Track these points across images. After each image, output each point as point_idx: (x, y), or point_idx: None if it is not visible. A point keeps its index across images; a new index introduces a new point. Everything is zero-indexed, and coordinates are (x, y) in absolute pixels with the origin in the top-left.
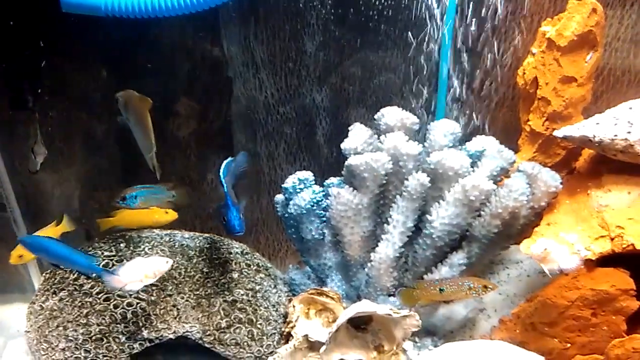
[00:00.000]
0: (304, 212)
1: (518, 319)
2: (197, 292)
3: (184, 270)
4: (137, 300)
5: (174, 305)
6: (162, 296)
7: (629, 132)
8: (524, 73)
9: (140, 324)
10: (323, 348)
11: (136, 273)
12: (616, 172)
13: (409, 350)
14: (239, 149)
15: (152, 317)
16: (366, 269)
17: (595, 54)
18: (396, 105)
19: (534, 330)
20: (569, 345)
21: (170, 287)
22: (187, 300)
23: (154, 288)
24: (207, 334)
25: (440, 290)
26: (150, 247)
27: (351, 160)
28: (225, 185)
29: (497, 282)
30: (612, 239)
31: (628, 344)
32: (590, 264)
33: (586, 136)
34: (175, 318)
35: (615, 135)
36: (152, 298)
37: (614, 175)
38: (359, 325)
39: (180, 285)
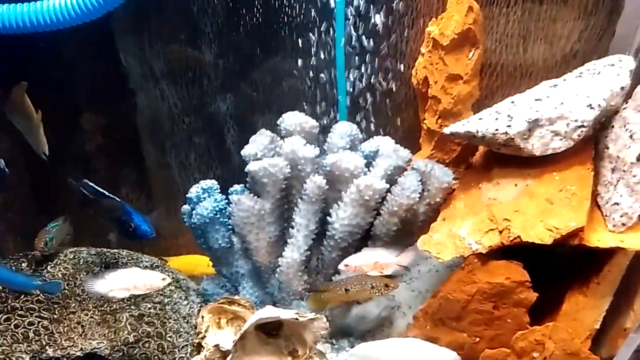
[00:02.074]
0: (208, 221)
1: (427, 315)
2: (102, 309)
3: None
4: (39, 319)
5: (78, 323)
6: (65, 314)
7: (509, 126)
8: (417, 73)
9: (44, 343)
10: (229, 357)
11: (125, 281)
12: (504, 165)
13: (327, 353)
14: (149, 160)
15: (56, 335)
16: (276, 274)
17: (477, 51)
18: (301, 109)
19: (443, 326)
20: (478, 339)
21: (73, 305)
22: (91, 317)
23: (56, 306)
24: (116, 349)
25: (346, 290)
26: (52, 265)
27: (250, 167)
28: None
29: (410, 278)
30: (500, 232)
31: (530, 336)
32: (484, 258)
33: (470, 132)
34: (81, 335)
35: (497, 130)
36: (55, 316)
37: (503, 168)
38: (271, 331)
39: (83, 302)
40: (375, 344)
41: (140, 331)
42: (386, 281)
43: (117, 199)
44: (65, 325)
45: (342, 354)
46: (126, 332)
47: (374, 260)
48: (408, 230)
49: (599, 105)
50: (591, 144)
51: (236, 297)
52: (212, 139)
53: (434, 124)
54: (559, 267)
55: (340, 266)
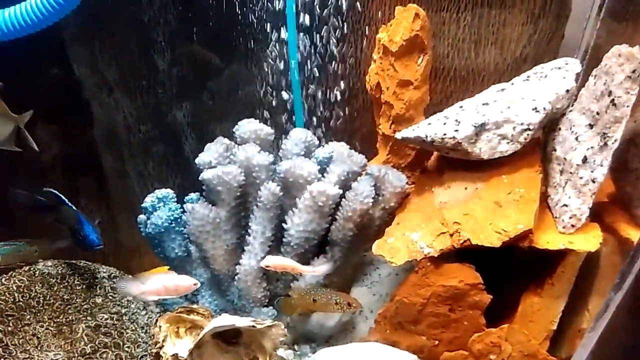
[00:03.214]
0: (163, 230)
1: (386, 319)
2: (58, 320)
3: (42, 298)
4: None
5: (33, 334)
6: (20, 326)
7: (456, 131)
8: (370, 79)
9: None
10: None
11: (157, 284)
12: (455, 169)
13: (290, 359)
14: (107, 170)
15: (11, 348)
16: (235, 282)
17: (426, 57)
18: (258, 116)
19: (402, 329)
20: (436, 342)
21: (28, 317)
22: (47, 329)
23: (10, 318)
24: None
25: (314, 300)
26: (7, 277)
27: (204, 175)
28: (71, 205)
29: (370, 282)
30: (450, 235)
31: (486, 338)
32: (437, 261)
33: (420, 136)
34: (36, 347)
35: (445, 135)
36: (9, 328)
37: (453, 172)
38: (230, 339)
39: (39, 314)
40: (336, 349)
41: (97, 342)
42: (350, 300)
43: (74, 208)
44: (20, 337)
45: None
46: (83, 343)
47: (292, 264)
48: (365, 235)
49: (544, 108)
50: (539, 147)
51: (194, 306)
52: (170, 147)
53: (388, 129)
54: (516, 268)
55: (262, 264)
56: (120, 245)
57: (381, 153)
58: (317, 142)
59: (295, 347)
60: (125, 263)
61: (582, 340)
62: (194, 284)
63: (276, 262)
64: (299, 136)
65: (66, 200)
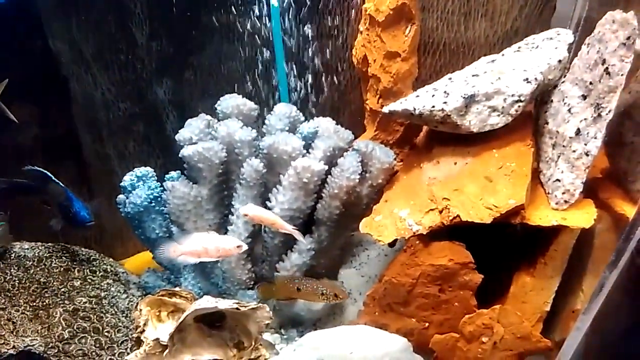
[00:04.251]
0: (142, 209)
1: (374, 301)
2: (34, 304)
3: (17, 282)
4: None
5: (9, 319)
6: None
7: (445, 103)
8: (356, 52)
9: None
10: (166, 352)
11: (197, 245)
12: (444, 143)
13: (277, 344)
14: (87, 151)
15: None
16: (219, 264)
17: (414, 27)
18: (243, 92)
19: (391, 312)
20: (427, 324)
21: (3, 300)
22: (23, 313)
23: None
24: (50, 346)
25: (298, 289)
26: None
27: (184, 151)
28: (58, 182)
29: (359, 264)
30: (440, 212)
31: (478, 320)
32: (426, 239)
33: (407, 109)
34: (12, 332)
35: (433, 107)
36: None
37: (443, 147)
38: (214, 323)
39: (14, 298)
40: (324, 332)
41: (75, 327)
42: (336, 291)
43: (61, 184)
44: None
45: (291, 344)
46: (60, 327)
47: (272, 218)
48: (352, 214)
49: (536, 78)
50: (531, 120)
51: (177, 288)
52: (151, 125)
53: (376, 104)
54: (508, 247)
55: (241, 211)
56: (102, 230)
57: (369, 130)
58: (302, 118)
59: (282, 331)
60: (108, 248)
61: (576, 323)
62: (237, 246)
63: (256, 212)
64: (283, 111)
65: (52, 176)
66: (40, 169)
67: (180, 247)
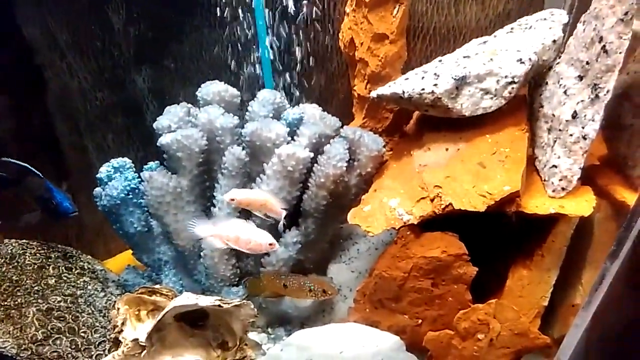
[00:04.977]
0: (119, 202)
1: (365, 297)
2: (6, 303)
3: None
4: None
5: None
6: None
7: (435, 85)
8: (343, 35)
9: None
10: (144, 353)
11: (228, 231)
12: (435, 129)
13: (264, 344)
14: (64, 143)
15: None
16: (201, 260)
17: (402, 7)
18: (226, 80)
19: (383, 308)
20: (420, 321)
21: None
22: None
23: None
24: (23, 348)
25: (285, 285)
26: None
27: (162, 140)
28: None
29: (349, 258)
30: (431, 200)
31: (473, 315)
32: (418, 230)
33: (396, 93)
34: None
35: (423, 89)
36: None
37: (434, 132)
38: (196, 322)
39: None
40: (312, 330)
41: (49, 327)
42: (325, 287)
43: (40, 174)
44: None
45: (278, 343)
46: (34, 328)
47: (262, 197)
48: (340, 205)
49: (530, 59)
50: (525, 104)
51: (157, 286)
52: (130, 116)
53: (364, 90)
54: (504, 239)
55: (226, 197)
56: (82, 228)
57: (357, 117)
58: (287, 105)
59: (269, 330)
60: (89, 247)
61: (576, 319)
62: (270, 244)
63: (243, 194)
64: (266, 97)
65: (31, 168)
66: (16, 162)
67: (212, 228)
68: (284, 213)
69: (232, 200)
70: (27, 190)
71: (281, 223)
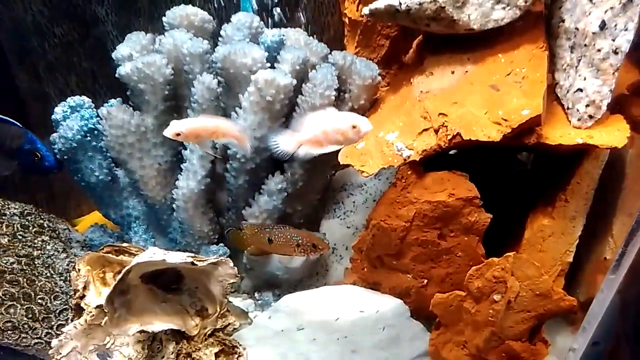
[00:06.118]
0: (76, 145)
1: (362, 254)
2: None
3: None
4: None
5: None
6: None
7: None
8: None
9: None
10: (104, 320)
11: (314, 129)
12: (439, 51)
13: (251, 311)
14: (23, 90)
15: None
16: (174, 213)
17: None
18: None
19: (383, 266)
20: (425, 281)
21: None
22: None
23: None
24: None
25: (269, 240)
26: None
27: (120, 70)
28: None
29: (344, 212)
30: (435, 131)
31: (487, 272)
32: (420, 169)
33: (392, 5)
34: None
35: None
36: None
37: (437, 55)
38: (169, 285)
39: None
40: (304, 294)
41: (0, 292)
42: (315, 241)
43: (18, 124)
44: None
45: (267, 310)
46: None
47: (212, 124)
48: None
49: None
50: (542, 20)
51: (125, 244)
52: (95, 56)
53: (355, 12)
54: (521, 182)
55: (167, 133)
56: (52, 189)
57: (349, 47)
58: (262, 30)
59: (256, 295)
60: (60, 209)
61: (604, 282)
62: (353, 126)
63: (187, 124)
64: (242, 20)
65: (6, 118)
66: None
67: (297, 136)
68: (246, 136)
69: (178, 135)
70: (5, 142)
71: (247, 146)
